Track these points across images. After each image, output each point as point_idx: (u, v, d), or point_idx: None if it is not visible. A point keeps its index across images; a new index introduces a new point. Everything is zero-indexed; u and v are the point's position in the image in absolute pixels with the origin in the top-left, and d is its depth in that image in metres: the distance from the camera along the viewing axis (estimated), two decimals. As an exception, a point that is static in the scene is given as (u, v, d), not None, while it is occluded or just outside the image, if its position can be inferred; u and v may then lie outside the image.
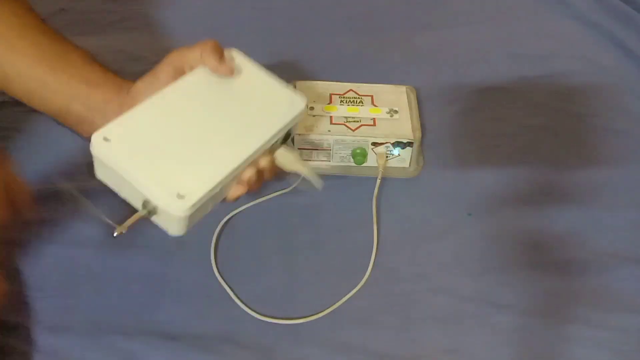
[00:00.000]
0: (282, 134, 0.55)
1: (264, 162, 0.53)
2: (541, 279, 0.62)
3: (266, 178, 0.55)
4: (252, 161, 0.52)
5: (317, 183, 0.56)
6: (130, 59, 0.81)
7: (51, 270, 0.59)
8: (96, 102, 0.55)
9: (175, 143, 0.49)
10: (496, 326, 0.59)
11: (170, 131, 0.50)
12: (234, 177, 0.51)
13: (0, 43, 0.54)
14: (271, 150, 0.55)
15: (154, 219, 0.48)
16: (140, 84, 0.54)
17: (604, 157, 0.75)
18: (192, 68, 0.54)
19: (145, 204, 0.47)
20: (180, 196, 0.46)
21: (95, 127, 0.47)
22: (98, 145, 0.47)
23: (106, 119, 0.48)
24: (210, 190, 0.47)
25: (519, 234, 0.66)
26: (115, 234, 0.46)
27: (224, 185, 0.49)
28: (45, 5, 0.87)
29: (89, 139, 0.47)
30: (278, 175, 0.57)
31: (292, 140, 0.68)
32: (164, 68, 0.54)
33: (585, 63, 0.88)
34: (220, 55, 0.54)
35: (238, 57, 0.57)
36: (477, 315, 0.59)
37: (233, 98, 0.55)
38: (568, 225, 0.67)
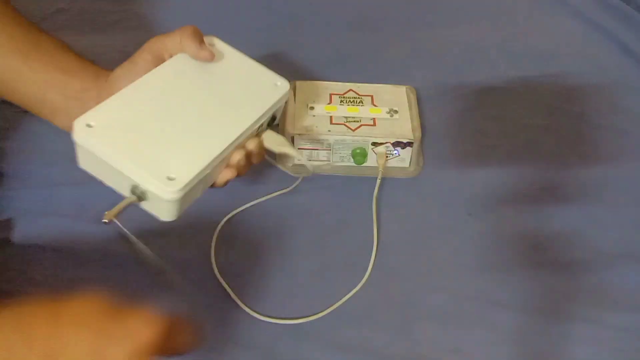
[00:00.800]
0: (269, 116, 0.55)
1: (251, 145, 0.53)
2: (541, 278, 0.62)
3: (254, 161, 0.54)
4: (240, 144, 0.51)
5: (308, 164, 0.55)
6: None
7: (51, 270, 0.59)
8: (74, 91, 0.53)
9: (161, 127, 0.48)
10: (496, 325, 0.59)
11: (155, 116, 0.48)
12: (223, 160, 0.50)
13: None
14: (258, 133, 0.54)
15: (144, 205, 0.46)
16: (119, 71, 0.53)
17: (604, 156, 0.75)
18: (171, 55, 0.53)
19: (134, 189, 0.45)
20: (170, 179, 0.44)
21: (71, 117, 0.46)
22: (81, 132, 0.45)
23: (84, 107, 0.47)
24: (200, 172, 0.46)
25: (518, 233, 0.66)
26: (103, 220, 0.44)
27: (214, 168, 0.49)
28: (45, 5, 0.87)
29: (66, 129, 0.45)
30: (281, 159, 0.55)
31: (292, 140, 0.68)
32: (143, 55, 0.53)
33: (585, 63, 0.88)
34: (200, 40, 0.53)
35: (219, 44, 0.56)
36: (477, 315, 0.59)
37: (216, 82, 0.54)
38: (568, 224, 0.67)
